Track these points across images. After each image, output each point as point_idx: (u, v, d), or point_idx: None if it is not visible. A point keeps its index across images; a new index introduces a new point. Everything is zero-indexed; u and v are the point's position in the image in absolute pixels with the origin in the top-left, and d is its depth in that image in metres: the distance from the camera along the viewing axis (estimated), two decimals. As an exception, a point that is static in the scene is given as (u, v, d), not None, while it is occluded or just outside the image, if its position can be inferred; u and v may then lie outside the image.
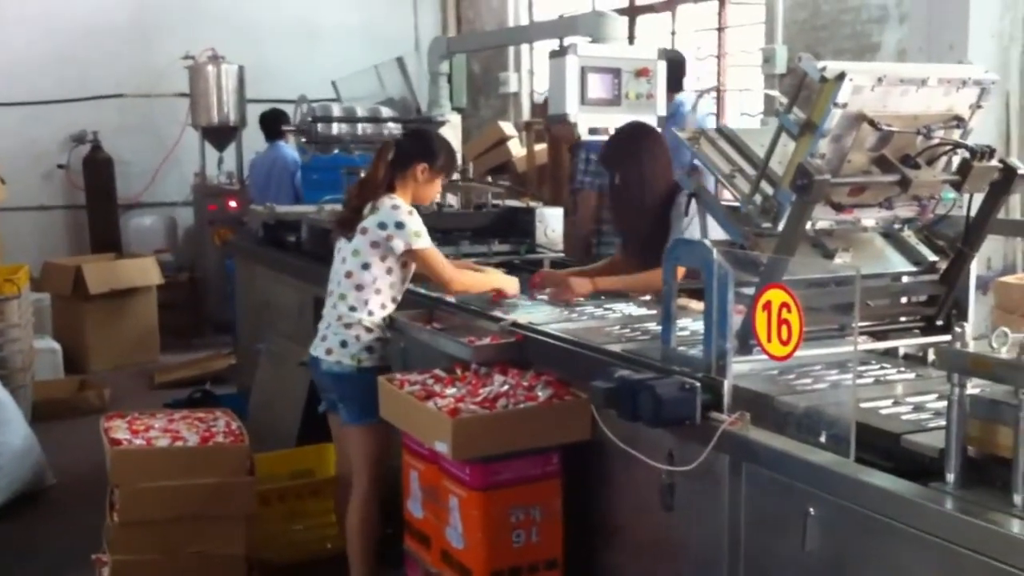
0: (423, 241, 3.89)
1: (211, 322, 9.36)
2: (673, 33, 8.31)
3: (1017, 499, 2.04)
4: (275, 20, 10.12)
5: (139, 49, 9.70)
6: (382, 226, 3.86)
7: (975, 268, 3.02)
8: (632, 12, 8.57)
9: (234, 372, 7.33)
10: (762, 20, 7.19)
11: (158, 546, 3.78)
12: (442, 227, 4.85)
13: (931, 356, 2.95)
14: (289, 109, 7.83)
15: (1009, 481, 2.06)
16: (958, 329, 2.14)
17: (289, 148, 8.39)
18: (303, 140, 6.57)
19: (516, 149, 8.29)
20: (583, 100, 4.45)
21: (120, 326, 8.49)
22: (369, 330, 3.90)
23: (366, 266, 3.90)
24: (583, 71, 4.44)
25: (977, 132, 2.85)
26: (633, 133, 4.07)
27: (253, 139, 8.92)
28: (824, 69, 2.58)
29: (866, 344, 2.95)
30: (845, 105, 2.57)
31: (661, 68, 4.63)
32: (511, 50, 9.92)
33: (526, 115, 9.89)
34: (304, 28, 10.26)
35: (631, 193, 3.95)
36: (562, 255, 4.99)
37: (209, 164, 9.52)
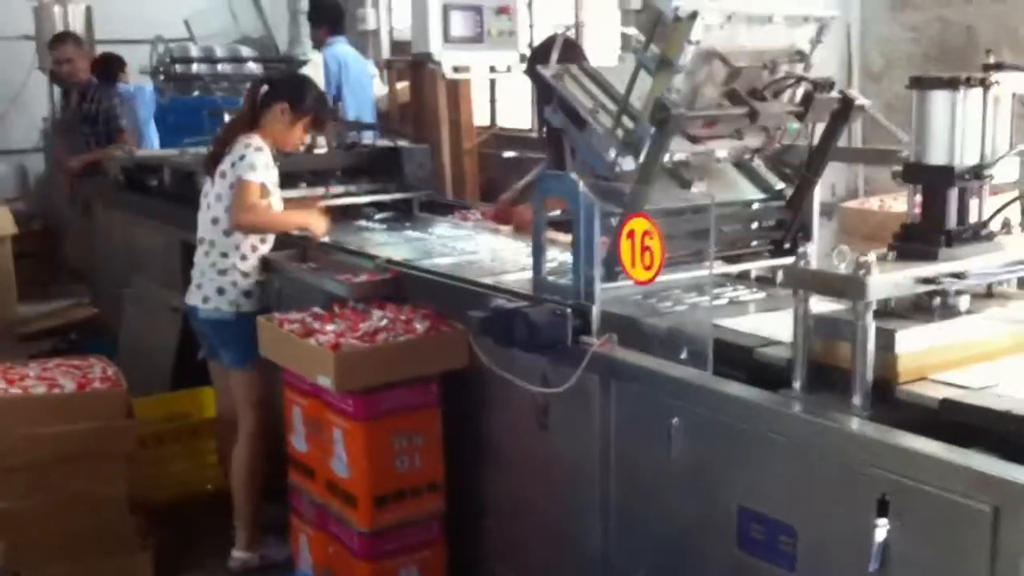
0: (252, 175, 3.83)
1: (66, 270, 9.13)
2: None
3: (856, 400, 2.27)
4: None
5: (-22, -10, 9.28)
6: (233, 165, 3.87)
7: (819, 193, 3.25)
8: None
9: (98, 320, 7.19)
10: (617, -45, 7.30)
11: (41, 489, 3.78)
12: (311, 168, 4.87)
13: (780, 277, 3.17)
14: (143, 50, 7.64)
15: (849, 385, 2.28)
16: (802, 249, 2.35)
17: (127, 86, 8.11)
18: (161, 79, 6.44)
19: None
20: (446, 38, 4.51)
21: (-26, 278, 8.20)
22: (245, 275, 3.92)
23: (229, 210, 3.88)
24: (445, 9, 4.50)
25: (820, 65, 3.06)
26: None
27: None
28: (678, 8, 2.72)
29: (721, 268, 3.12)
30: (698, 42, 2.73)
31: (522, 5, 4.74)
32: (369, -14, 9.82)
33: (386, 53, 9.81)
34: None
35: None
36: (431, 192, 5.07)
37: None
